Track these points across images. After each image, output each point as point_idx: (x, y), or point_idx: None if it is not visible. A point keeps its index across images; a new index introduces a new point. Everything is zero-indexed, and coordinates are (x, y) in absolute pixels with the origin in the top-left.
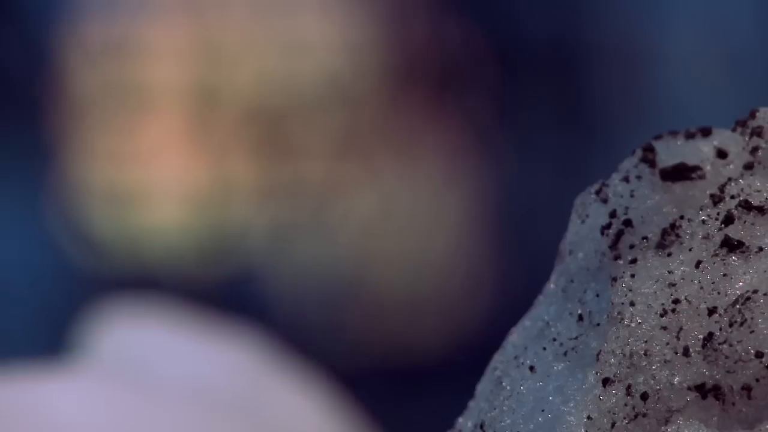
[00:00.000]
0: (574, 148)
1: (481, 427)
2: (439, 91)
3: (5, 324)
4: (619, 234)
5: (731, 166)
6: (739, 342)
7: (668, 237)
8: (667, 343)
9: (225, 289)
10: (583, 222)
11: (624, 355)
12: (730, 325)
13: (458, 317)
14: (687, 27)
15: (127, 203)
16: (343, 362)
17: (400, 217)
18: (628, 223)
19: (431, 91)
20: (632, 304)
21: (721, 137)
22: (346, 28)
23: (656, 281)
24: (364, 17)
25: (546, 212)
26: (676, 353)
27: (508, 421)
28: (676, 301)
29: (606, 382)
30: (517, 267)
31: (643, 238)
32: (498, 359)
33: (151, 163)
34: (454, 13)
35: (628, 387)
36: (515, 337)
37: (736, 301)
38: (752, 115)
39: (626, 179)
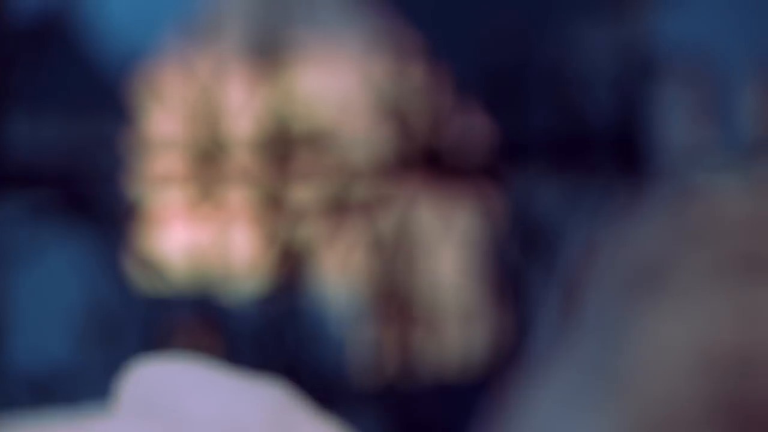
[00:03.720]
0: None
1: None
2: (452, 171)
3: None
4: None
5: None
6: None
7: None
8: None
9: (278, 302)
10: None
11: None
12: None
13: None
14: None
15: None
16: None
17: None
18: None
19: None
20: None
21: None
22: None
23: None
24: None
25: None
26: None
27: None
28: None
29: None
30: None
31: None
32: (519, 395)
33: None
34: (477, 112)
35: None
36: (537, 375)
37: None
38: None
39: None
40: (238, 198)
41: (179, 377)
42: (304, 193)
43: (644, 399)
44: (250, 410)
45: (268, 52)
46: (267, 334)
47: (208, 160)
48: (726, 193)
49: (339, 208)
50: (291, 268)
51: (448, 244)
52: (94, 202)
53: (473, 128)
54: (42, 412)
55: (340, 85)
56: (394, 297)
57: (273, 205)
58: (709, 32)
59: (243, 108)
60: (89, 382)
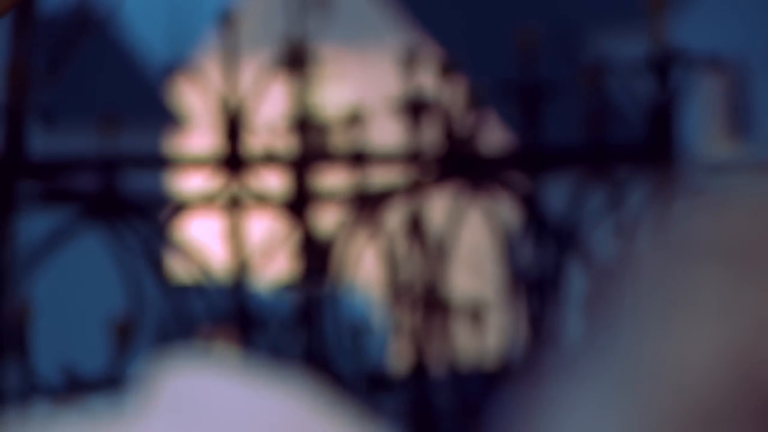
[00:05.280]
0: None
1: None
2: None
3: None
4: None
5: None
6: None
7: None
8: None
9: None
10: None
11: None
12: None
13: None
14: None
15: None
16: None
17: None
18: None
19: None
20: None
21: None
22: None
23: None
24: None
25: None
26: None
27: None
28: None
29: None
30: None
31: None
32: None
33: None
34: (496, 125)
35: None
36: (563, 371)
37: None
38: None
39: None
40: (271, 191)
41: (207, 383)
42: (331, 185)
43: (672, 394)
44: (272, 416)
45: (298, 63)
46: (296, 322)
47: (238, 156)
48: (750, 204)
49: (363, 201)
50: (319, 259)
51: (469, 237)
52: (131, 203)
53: (495, 132)
54: (72, 417)
55: (366, 94)
56: (416, 288)
57: (301, 196)
58: (736, 40)
59: (272, 108)
60: (126, 387)
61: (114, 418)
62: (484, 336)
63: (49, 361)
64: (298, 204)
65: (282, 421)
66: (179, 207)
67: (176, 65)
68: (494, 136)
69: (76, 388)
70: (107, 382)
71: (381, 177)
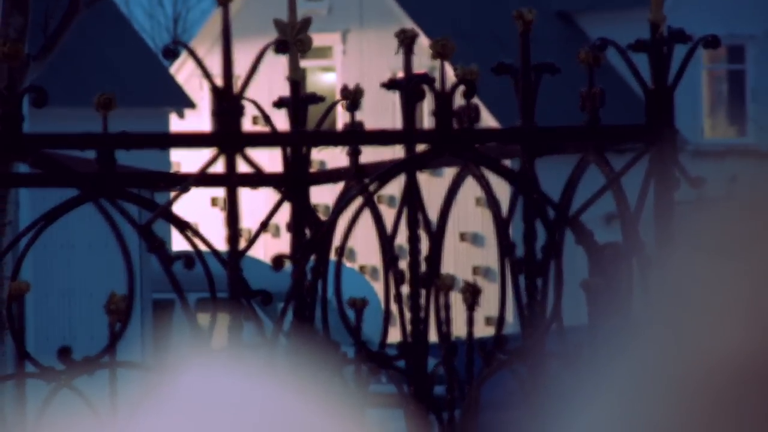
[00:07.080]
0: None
1: None
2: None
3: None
4: None
5: None
6: None
7: None
8: None
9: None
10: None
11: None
12: None
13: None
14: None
15: None
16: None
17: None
18: None
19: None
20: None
21: None
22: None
23: None
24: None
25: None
26: None
27: None
28: None
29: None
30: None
31: None
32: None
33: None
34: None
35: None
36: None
37: None
38: None
39: None
40: (264, 165)
41: (205, 370)
42: (328, 162)
43: (679, 385)
44: (266, 404)
45: (294, 46)
46: (294, 297)
47: (236, 134)
48: (751, 197)
49: (360, 177)
50: (316, 235)
51: (465, 214)
52: (129, 182)
53: (489, 116)
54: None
55: (360, 79)
56: (414, 264)
57: (298, 173)
58: (733, 24)
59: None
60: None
61: (112, 401)
62: (480, 312)
63: (46, 342)
64: (295, 181)
65: (275, 409)
66: (178, 185)
67: (179, 47)
68: (488, 121)
69: (73, 369)
70: (105, 364)
71: (377, 154)
